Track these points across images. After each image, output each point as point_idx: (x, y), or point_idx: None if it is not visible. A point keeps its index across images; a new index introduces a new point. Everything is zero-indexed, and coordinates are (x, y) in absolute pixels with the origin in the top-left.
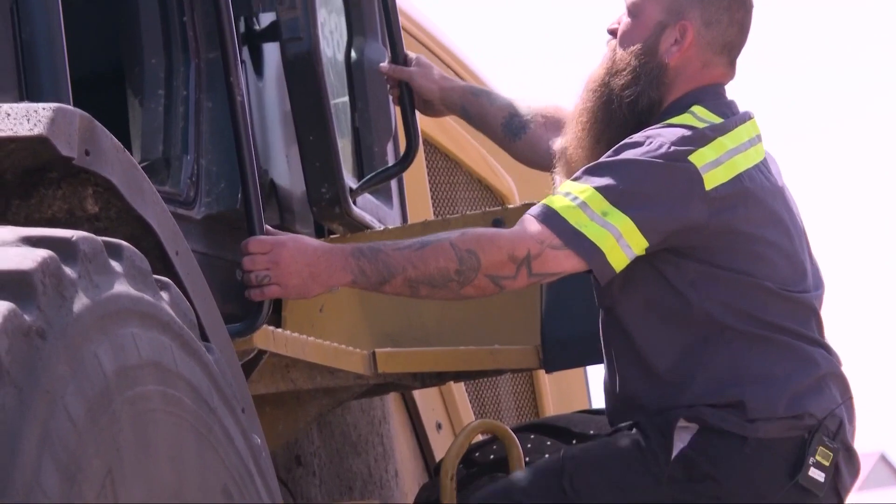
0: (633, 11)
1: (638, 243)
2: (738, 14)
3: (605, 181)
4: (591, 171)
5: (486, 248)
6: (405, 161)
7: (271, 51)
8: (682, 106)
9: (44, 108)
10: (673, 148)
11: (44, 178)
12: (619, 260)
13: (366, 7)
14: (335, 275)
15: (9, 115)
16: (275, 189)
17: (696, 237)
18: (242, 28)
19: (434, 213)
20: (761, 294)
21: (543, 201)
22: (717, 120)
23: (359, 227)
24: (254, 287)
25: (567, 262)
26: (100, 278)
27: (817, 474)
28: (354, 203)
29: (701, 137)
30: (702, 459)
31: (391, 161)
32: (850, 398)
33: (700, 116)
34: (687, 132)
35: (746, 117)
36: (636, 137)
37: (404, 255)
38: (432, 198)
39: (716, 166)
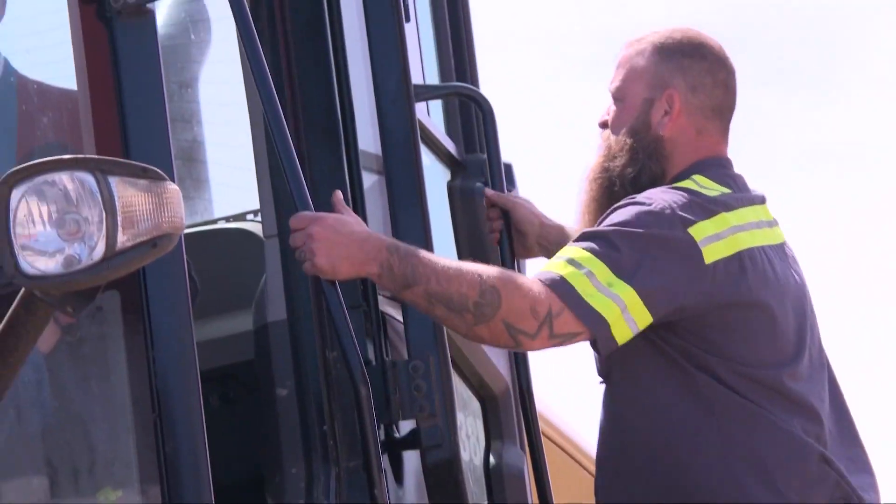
0: (618, 97)
1: (642, 318)
2: (721, 75)
3: (609, 250)
4: (594, 238)
5: (510, 289)
6: None
7: (411, 457)
8: (683, 176)
9: None
10: (674, 213)
11: None
12: (623, 333)
13: (502, 408)
14: (366, 262)
15: None
16: None
17: (691, 313)
18: (382, 436)
19: None
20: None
21: (548, 267)
22: (722, 190)
23: None
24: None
25: (576, 328)
26: None
27: None
28: None
29: (703, 209)
30: None
31: None
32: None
33: (702, 185)
34: (690, 198)
35: (757, 199)
36: (639, 198)
37: (434, 268)
38: None
39: (716, 240)
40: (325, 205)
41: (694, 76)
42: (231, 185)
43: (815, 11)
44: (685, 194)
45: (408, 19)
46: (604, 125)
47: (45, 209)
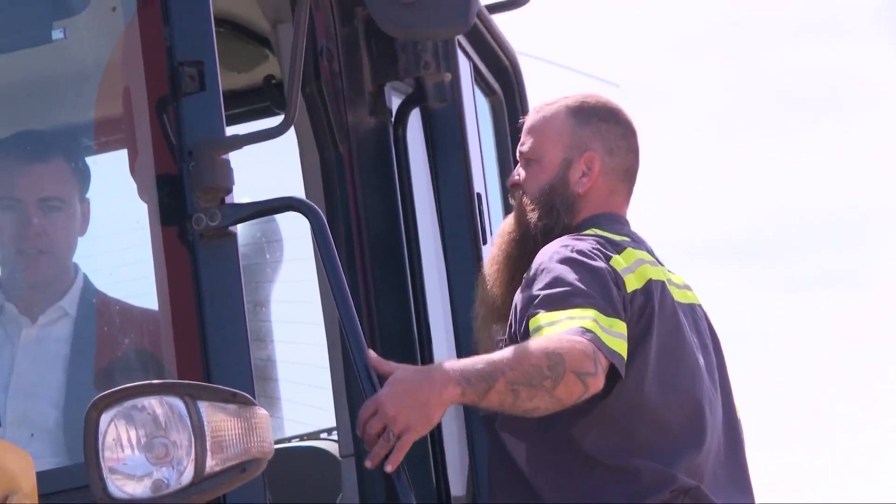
0: (533, 157)
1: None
2: (632, 140)
3: (588, 296)
4: (564, 289)
5: (561, 345)
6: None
7: None
8: (583, 227)
9: None
10: (595, 250)
11: None
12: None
13: None
14: (444, 391)
15: None
16: None
17: None
18: None
19: None
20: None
21: (559, 326)
22: (623, 238)
23: None
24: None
25: (605, 365)
26: None
27: None
28: None
29: (613, 246)
30: None
31: None
32: None
33: (600, 234)
34: (598, 239)
35: (661, 263)
36: (557, 243)
37: (500, 361)
38: None
39: (630, 272)
40: None
41: (611, 140)
42: (301, 403)
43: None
44: (593, 237)
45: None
46: (515, 185)
47: (133, 433)
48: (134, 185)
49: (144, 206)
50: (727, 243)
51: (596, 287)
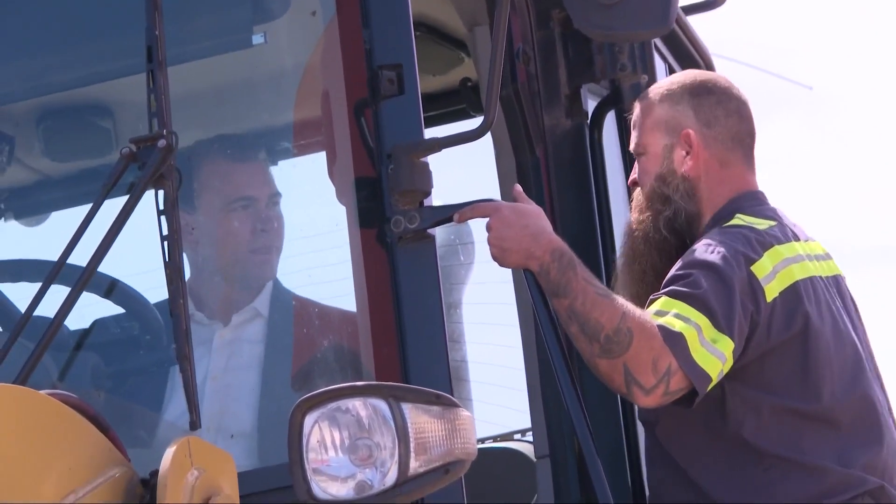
0: (640, 151)
1: (729, 367)
2: (731, 105)
3: (707, 302)
4: (688, 287)
5: (643, 338)
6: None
7: None
8: (724, 216)
9: None
10: (738, 253)
11: None
12: (713, 385)
13: None
14: (530, 258)
15: None
16: None
17: (752, 355)
18: None
19: None
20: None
21: (664, 320)
22: (768, 223)
23: None
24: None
25: (685, 386)
26: None
27: None
28: None
29: (759, 243)
30: None
31: None
32: None
33: (749, 221)
34: (745, 235)
35: (805, 238)
36: (701, 244)
37: (585, 288)
38: None
39: (773, 276)
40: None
41: (705, 111)
42: (495, 404)
43: None
44: (739, 232)
45: None
46: (633, 184)
47: (337, 435)
48: (333, 188)
49: (343, 209)
50: None
51: (722, 299)
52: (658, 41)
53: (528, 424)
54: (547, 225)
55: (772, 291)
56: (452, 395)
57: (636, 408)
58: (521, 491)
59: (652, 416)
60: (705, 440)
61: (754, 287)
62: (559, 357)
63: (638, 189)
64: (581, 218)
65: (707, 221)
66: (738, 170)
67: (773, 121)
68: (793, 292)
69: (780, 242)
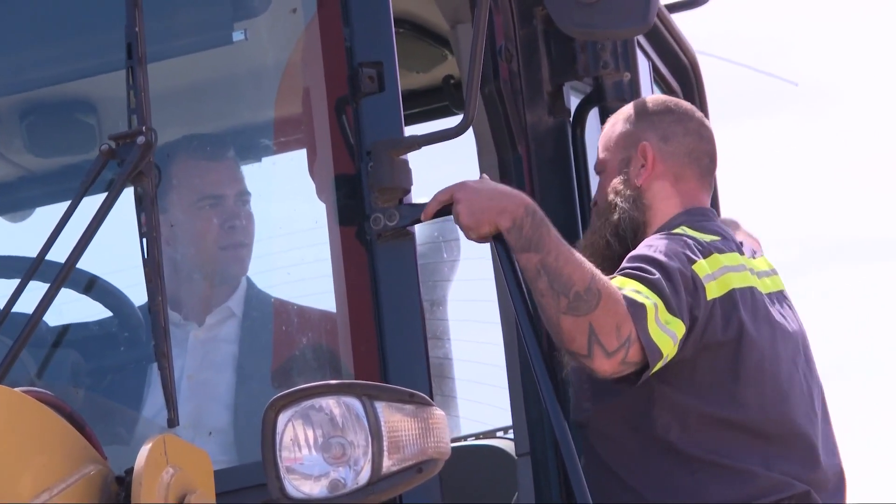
0: (599, 169)
1: (674, 354)
2: (691, 124)
3: (662, 284)
4: (646, 266)
5: (611, 300)
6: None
7: None
8: (670, 226)
9: None
10: (679, 252)
11: None
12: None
13: None
14: (501, 214)
15: None
16: None
17: (686, 352)
18: None
19: None
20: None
21: (627, 291)
22: (712, 238)
23: None
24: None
25: (640, 359)
26: None
27: None
28: None
29: (699, 249)
30: None
31: None
32: None
33: (690, 234)
34: (685, 240)
35: (752, 254)
36: (644, 243)
37: (558, 245)
38: None
39: (712, 279)
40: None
41: (664, 127)
42: (477, 402)
43: None
44: (680, 238)
45: None
46: (594, 205)
47: (311, 433)
48: (313, 186)
49: (323, 206)
50: None
51: (669, 286)
52: (641, 39)
53: (510, 422)
54: (506, 187)
55: (711, 291)
56: (431, 393)
57: (570, 407)
58: (503, 488)
59: (583, 417)
60: (634, 443)
61: (696, 283)
62: (537, 356)
63: (595, 208)
64: (563, 215)
65: (652, 231)
66: (690, 186)
67: (768, 115)
68: (729, 299)
69: (720, 252)
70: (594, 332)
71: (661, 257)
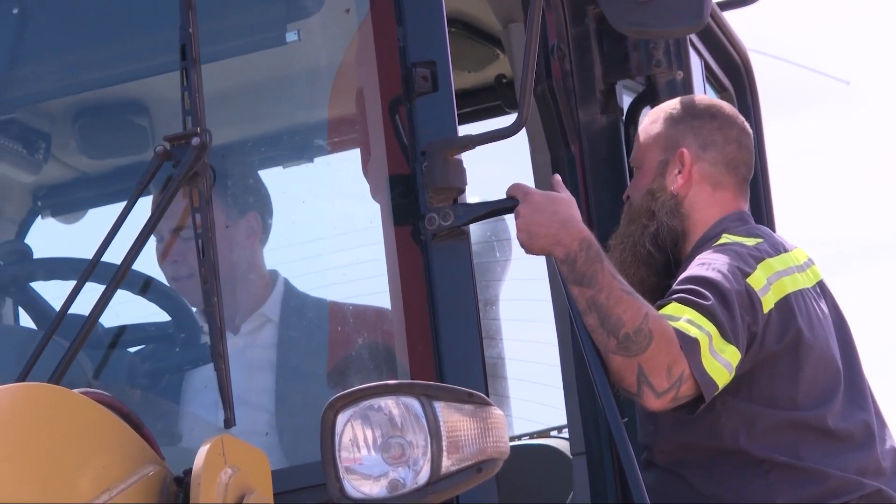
0: (637, 164)
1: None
2: (732, 132)
3: (716, 311)
4: (699, 293)
5: (662, 341)
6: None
7: None
8: (711, 237)
9: None
10: (734, 267)
11: None
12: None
13: None
14: (556, 245)
15: None
16: None
17: (747, 366)
18: None
19: None
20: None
21: (679, 325)
22: (755, 241)
23: None
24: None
25: (694, 393)
26: None
27: None
28: None
29: (752, 258)
30: None
31: None
32: None
33: (735, 240)
34: (737, 250)
35: (791, 247)
36: (697, 260)
37: (611, 283)
38: None
39: (767, 289)
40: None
41: (704, 135)
42: (531, 401)
43: None
44: (730, 248)
45: None
46: (627, 198)
47: (370, 433)
48: (367, 186)
49: (377, 206)
50: None
51: (724, 312)
52: (694, 37)
53: (565, 421)
54: (577, 214)
55: (768, 303)
56: (487, 392)
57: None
58: (558, 488)
59: (648, 439)
60: (702, 451)
61: (752, 299)
62: (593, 353)
63: (628, 203)
64: (616, 214)
65: (695, 242)
66: (728, 194)
67: (806, 115)
68: (786, 304)
69: (770, 256)
70: (643, 374)
71: (716, 276)
